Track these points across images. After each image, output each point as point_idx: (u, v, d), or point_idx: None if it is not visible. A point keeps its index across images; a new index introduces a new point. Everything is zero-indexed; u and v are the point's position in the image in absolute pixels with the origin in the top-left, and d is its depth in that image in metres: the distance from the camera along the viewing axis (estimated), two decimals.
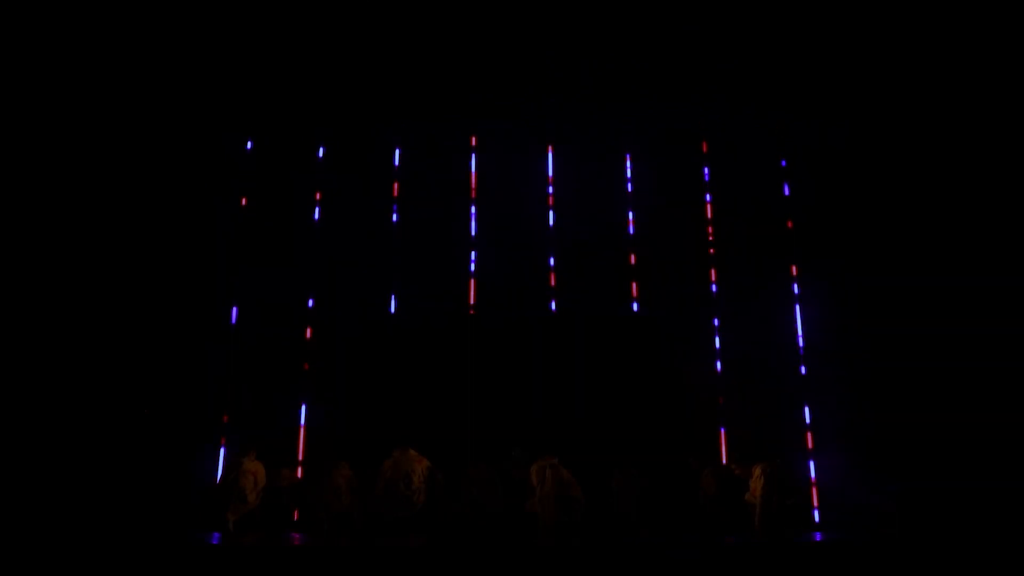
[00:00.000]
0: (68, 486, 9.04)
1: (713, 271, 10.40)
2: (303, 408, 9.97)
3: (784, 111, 10.49)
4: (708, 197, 10.62)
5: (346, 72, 10.46)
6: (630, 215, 10.56)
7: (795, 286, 10.29)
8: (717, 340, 10.17)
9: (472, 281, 10.36)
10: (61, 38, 9.68)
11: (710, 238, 10.45)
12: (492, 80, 10.44)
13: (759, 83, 10.42)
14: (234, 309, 10.17)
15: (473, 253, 10.41)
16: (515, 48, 10.16)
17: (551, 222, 10.51)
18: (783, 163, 10.62)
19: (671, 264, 10.37)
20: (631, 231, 10.51)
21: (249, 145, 10.68)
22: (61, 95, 9.95)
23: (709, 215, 10.56)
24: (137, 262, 9.98)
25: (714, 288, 10.34)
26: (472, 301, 10.30)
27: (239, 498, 8.42)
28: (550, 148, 10.71)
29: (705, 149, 10.74)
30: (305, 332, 10.17)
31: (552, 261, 10.41)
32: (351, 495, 8.61)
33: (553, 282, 10.36)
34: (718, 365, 10.09)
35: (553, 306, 10.29)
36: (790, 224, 10.44)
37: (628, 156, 10.73)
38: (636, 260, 10.42)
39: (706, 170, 10.72)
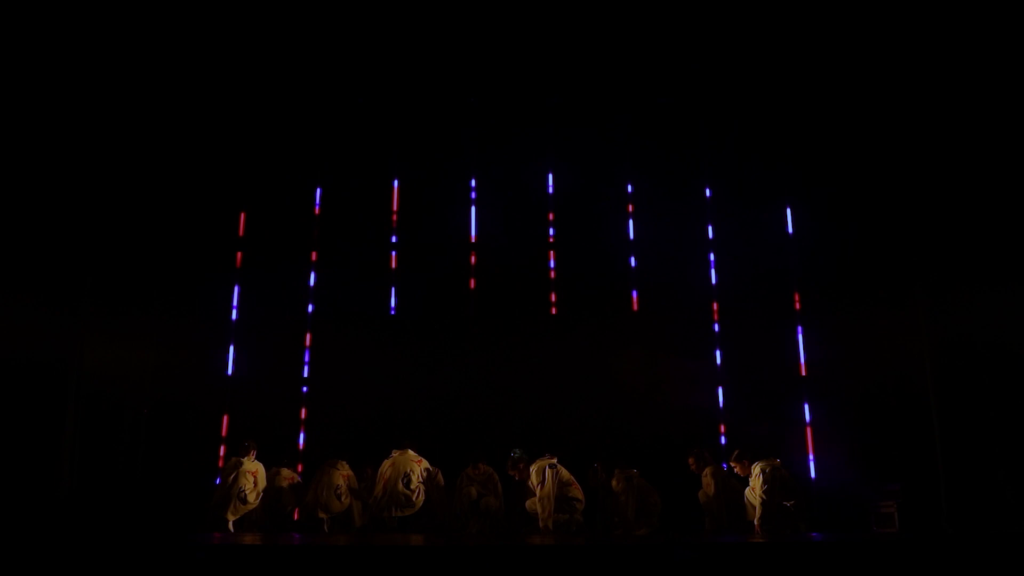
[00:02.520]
0: (67, 485, 9.04)
1: (712, 271, 10.41)
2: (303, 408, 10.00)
3: (784, 113, 10.48)
4: (708, 194, 10.62)
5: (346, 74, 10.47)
6: (630, 221, 10.60)
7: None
8: (717, 342, 10.19)
9: (472, 280, 10.37)
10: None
11: (711, 235, 10.47)
12: (492, 80, 10.45)
13: (761, 88, 10.41)
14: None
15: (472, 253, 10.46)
16: (515, 48, 10.17)
17: (551, 226, 10.56)
18: (783, 163, 10.61)
19: (670, 262, 10.38)
20: (631, 234, 10.55)
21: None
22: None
23: (709, 211, 10.58)
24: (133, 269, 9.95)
25: (714, 289, 10.35)
26: (472, 301, 10.32)
27: (239, 498, 8.44)
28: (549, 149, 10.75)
29: (705, 148, 10.73)
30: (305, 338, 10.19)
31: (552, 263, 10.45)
32: (351, 495, 8.63)
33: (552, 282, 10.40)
34: (718, 364, 10.11)
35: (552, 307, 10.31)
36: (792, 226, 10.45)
37: (629, 158, 10.75)
38: (636, 259, 10.45)
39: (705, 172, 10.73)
